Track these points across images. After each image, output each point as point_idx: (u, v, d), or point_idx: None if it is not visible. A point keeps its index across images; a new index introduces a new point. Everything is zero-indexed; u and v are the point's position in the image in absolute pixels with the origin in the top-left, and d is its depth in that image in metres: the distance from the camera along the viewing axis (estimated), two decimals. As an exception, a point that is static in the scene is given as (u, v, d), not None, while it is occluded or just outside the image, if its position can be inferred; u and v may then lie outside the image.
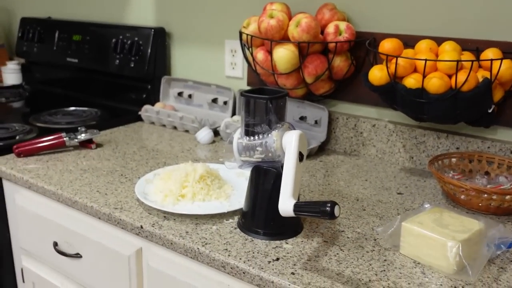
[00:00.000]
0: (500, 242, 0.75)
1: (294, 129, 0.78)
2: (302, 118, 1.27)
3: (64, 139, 1.19)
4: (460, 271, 0.69)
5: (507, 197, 0.86)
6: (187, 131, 1.41)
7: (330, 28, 1.11)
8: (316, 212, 0.66)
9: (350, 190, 1.01)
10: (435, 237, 0.71)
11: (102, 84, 1.70)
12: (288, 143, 0.74)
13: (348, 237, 0.81)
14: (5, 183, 1.16)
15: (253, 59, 1.19)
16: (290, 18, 1.13)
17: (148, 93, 1.57)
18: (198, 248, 0.76)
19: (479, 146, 1.06)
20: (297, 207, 0.68)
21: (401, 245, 0.76)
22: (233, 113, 1.44)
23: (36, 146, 1.16)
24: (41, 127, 1.39)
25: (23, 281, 1.20)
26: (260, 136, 0.78)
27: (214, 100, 1.47)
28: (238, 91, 1.40)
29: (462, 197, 0.91)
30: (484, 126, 1.03)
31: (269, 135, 0.77)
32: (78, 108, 1.60)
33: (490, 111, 0.96)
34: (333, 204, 0.64)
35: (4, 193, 1.18)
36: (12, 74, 2.00)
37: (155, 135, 1.37)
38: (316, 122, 1.25)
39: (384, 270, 0.71)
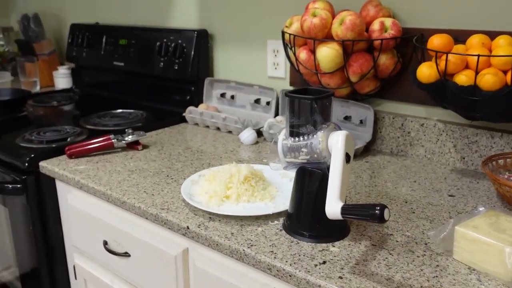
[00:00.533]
0: None
1: (340, 129, 0.76)
2: (347, 118, 1.25)
3: (113, 140, 1.23)
4: (520, 278, 0.65)
5: None
6: (230, 132, 1.42)
7: (376, 25, 1.08)
8: (364, 215, 0.64)
9: (398, 192, 0.98)
10: (491, 242, 0.67)
11: (147, 86, 1.73)
12: (334, 144, 0.73)
13: (397, 241, 0.78)
14: (58, 183, 1.21)
15: (296, 59, 1.18)
16: (333, 16, 1.11)
17: (191, 95, 1.59)
18: (244, 250, 0.76)
19: (537, 146, 1.01)
20: (345, 210, 0.66)
21: (455, 250, 0.72)
22: (276, 114, 1.43)
23: (86, 148, 1.20)
24: (91, 129, 1.43)
25: (75, 278, 1.25)
26: (305, 137, 0.77)
27: (257, 101, 1.47)
28: (281, 91, 1.39)
29: (520, 199, 0.86)
30: (543, 124, 0.98)
31: (315, 136, 0.75)
32: (124, 110, 1.64)
33: (550, 108, 0.90)
34: (383, 207, 0.62)
35: (57, 193, 1.23)
36: (63, 79, 2.08)
37: (199, 136, 1.39)
38: (361, 121, 1.23)
39: (436, 276, 0.68)
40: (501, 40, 0.93)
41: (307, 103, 0.75)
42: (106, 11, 1.98)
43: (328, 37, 1.11)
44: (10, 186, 1.21)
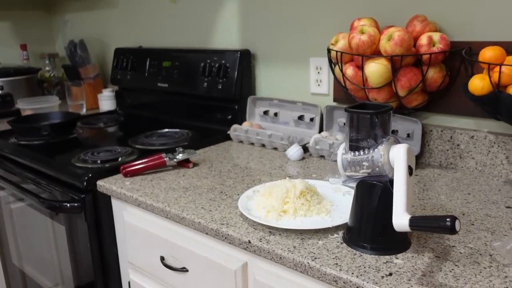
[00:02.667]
0: None
1: (400, 143, 0.78)
2: (393, 132, 1.26)
3: (165, 159, 1.27)
4: None
5: None
6: (275, 148, 1.44)
7: (423, 40, 1.10)
8: (434, 227, 0.65)
9: (453, 204, 0.98)
10: (563, 252, 0.67)
11: (191, 106, 1.79)
12: (396, 157, 0.74)
13: (460, 253, 0.78)
14: (114, 201, 1.26)
15: (343, 75, 1.21)
16: (379, 33, 1.13)
17: (235, 113, 1.63)
18: (308, 263, 0.78)
19: None
20: (413, 221, 0.67)
21: (523, 261, 0.72)
22: (321, 130, 1.45)
23: (141, 167, 1.25)
24: (140, 148, 1.48)
25: (130, 294, 1.28)
26: (366, 151, 0.78)
27: (300, 117, 1.50)
28: (325, 107, 1.41)
29: None
30: None
31: (376, 149, 0.77)
32: (170, 130, 1.69)
33: None
34: (454, 218, 0.63)
35: (113, 210, 1.27)
36: (107, 101, 2.16)
37: (245, 153, 1.42)
38: (408, 135, 1.23)
39: (507, 287, 0.68)
40: (555, 51, 0.93)
41: (368, 117, 0.77)
42: (148, 35, 2.06)
43: (375, 53, 1.13)
44: (69, 204, 1.26)
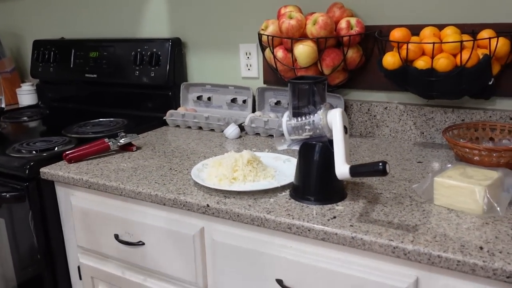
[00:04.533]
0: (516, 187, 0.89)
1: (334, 108, 0.91)
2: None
3: (109, 143, 1.30)
4: (489, 210, 0.83)
5: (514, 153, 1.02)
6: (212, 130, 1.53)
7: (343, 24, 1.26)
8: (370, 171, 0.79)
9: (376, 163, 1.15)
10: (465, 185, 0.85)
11: (124, 95, 1.80)
12: (333, 119, 0.88)
13: (387, 197, 0.94)
14: (58, 187, 1.27)
15: (274, 57, 1.33)
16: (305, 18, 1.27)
17: (168, 100, 1.69)
18: (264, 216, 0.89)
19: (482, 117, 1.22)
20: (353, 169, 0.81)
21: (435, 197, 0.90)
22: (253, 110, 1.57)
23: (85, 152, 1.27)
24: (77, 137, 1.49)
25: (80, 278, 1.30)
26: (308, 117, 0.91)
27: (233, 100, 1.60)
28: (257, 89, 1.53)
29: (476, 158, 1.05)
30: (485, 98, 1.19)
31: (316, 114, 0.90)
32: (104, 119, 1.70)
33: (490, 83, 1.11)
34: (384, 162, 0.78)
35: (57, 197, 1.28)
36: (27, 95, 2.09)
37: (183, 136, 1.49)
38: (332, 110, 1.39)
39: (425, 217, 0.85)
40: (448, 30, 1.13)
41: (308, 87, 0.90)
42: (70, 26, 2.03)
43: (303, 36, 1.27)
44: (9, 194, 1.25)
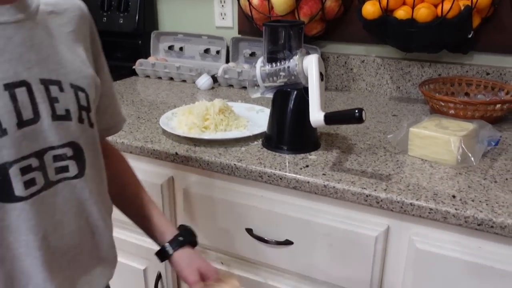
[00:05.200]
0: (490, 139, 0.89)
1: (310, 53, 0.87)
2: (295, 60, 1.37)
3: (73, 90, 1.23)
4: (463, 161, 0.82)
5: (490, 107, 1.01)
6: (184, 81, 1.47)
7: (322, -30, 1.20)
8: (346, 118, 0.76)
9: (351, 116, 1.13)
10: (439, 136, 0.83)
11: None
12: (309, 65, 0.84)
13: (361, 147, 0.92)
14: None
15: (249, 4, 1.27)
16: (283, -37, 1.20)
17: (138, 49, 1.61)
18: (235, 164, 0.86)
19: (459, 71, 1.20)
20: (327, 117, 0.78)
21: (409, 148, 0.88)
22: (227, 61, 1.51)
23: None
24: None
25: None
26: (283, 62, 0.87)
27: (206, 51, 1.53)
28: (231, 39, 1.47)
29: (451, 111, 1.04)
30: (463, 52, 1.17)
31: (291, 60, 0.86)
32: (69, 67, 1.61)
33: (470, 36, 1.09)
34: (360, 110, 0.75)
35: None
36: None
37: (154, 86, 1.43)
38: (308, 62, 1.35)
39: (399, 167, 0.83)
40: (430, -21, 1.09)
41: (284, 30, 0.85)
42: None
43: (280, -18, 1.20)
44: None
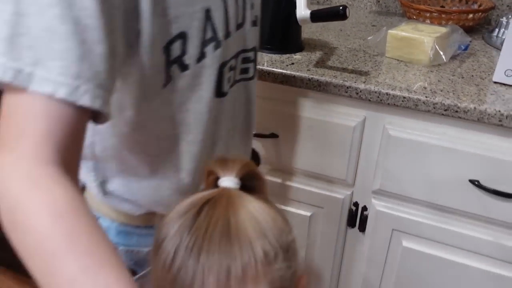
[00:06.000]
0: (460, 43, 0.96)
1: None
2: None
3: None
4: (435, 59, 0.89)
5: (462, 15, 1.07)
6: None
7: None
8: (331, 15, 0.81)
9: (333, 24, 1.17)
10: (416, 37, 0.90)
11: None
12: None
13: (342, 50, 0.98)
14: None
15: None
16: None
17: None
18: (224, 61, 0.91)
19: (436, -15, 1.25)
20: (314, 14, 0.83)
21: (387, 50, 0.94)
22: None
23: None
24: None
25: None
26: (271, -38, 0.89)
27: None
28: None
29: (427, 21, 1.10)
30: (441, -35, 1.21)
31: (279, -41, 0.88)
32: None
33: None
34: (345, 7, 0.79)
35: None
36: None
37: None
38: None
39: (377, 65, 0.90)
40: None
41: None
42: None
43: None
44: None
